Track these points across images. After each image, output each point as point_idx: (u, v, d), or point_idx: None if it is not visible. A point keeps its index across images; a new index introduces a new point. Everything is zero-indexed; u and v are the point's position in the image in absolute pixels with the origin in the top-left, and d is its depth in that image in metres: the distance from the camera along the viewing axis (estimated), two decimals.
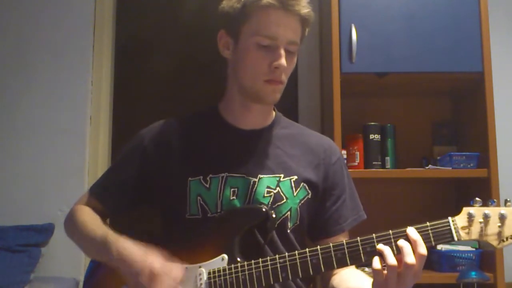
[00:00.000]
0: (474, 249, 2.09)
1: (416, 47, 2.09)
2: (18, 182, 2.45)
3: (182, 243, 1.23)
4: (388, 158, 2.21)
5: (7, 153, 2.48)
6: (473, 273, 1.89)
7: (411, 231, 1.05)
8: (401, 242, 1.04)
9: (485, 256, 2.07)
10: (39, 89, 2.52)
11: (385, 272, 1.04)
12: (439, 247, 2.10)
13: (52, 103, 2.51)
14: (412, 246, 1.03)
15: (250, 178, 1.25)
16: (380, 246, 1.05)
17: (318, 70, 2.64)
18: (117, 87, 2.73)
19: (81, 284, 2.31)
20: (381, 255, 1.04)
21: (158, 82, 2.81)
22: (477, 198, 1.05)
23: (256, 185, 1.24)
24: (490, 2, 2.11)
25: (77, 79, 2.54)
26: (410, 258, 1.02)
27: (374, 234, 1.07)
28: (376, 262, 1.04)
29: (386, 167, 2.20)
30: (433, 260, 2.17)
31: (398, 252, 1.04)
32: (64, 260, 2.35)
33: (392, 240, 1.05)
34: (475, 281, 1.88)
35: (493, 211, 1.03)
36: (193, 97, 2.70)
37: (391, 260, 1.03)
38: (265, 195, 1.24)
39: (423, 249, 1.03)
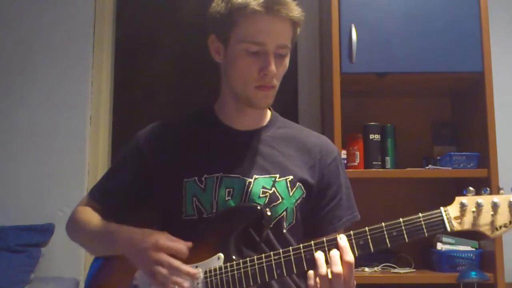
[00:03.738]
0: (474, 249, 2.09)
1: (416, 47, 2.09)
2: (18, 182, 2.45)
3: None
4: (388, 158, 2.21)
5: (8, 153, 2.48)
6: (473, 273, 1.89)
7: (341, 238, 1.07)
8: (332, 251, 1.06)
9: (485, 256, 2.07)
10: (39, 89, 2.52)
11: (317, 281, 1.06)
12: (439, 247, 2.11)
13: (52, 103, 2.51)
14: (340, 253, 1.05)
15: (245, 178, 1.25)
16: (316, 255, 1.07)
17: (318, 70, 2.64)
18: (117, 87, 2.73)
19: (81, 284, 2.31)
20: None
21: (158, 82, 2.81)
22: (470, 188, 1.04)
23: (251, 186, 1.24)
24: (490, 2, 2.11)
25: (77, 79, 2.54)
26: (336, 268, 1.04)
27: (312, 242, 1.10)
28: (310, 273, 1.07)
29: (386, 167, 2.20)
30: (433, 260, 2.17)
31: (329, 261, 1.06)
32: (64, 260, 2.35)
33: (326, 248, 1.07)
34: (475, 281, 1.89)
35: (485, 200, 1.02)
36: (193, 97, 2.70)
37: (322, 270, 1.05)
38: (261, 195, 1.24)
39: (349, 257, 1.04)
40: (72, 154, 2.48)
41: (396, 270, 2.11)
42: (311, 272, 1.07)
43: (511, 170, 2.21)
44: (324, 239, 1.09)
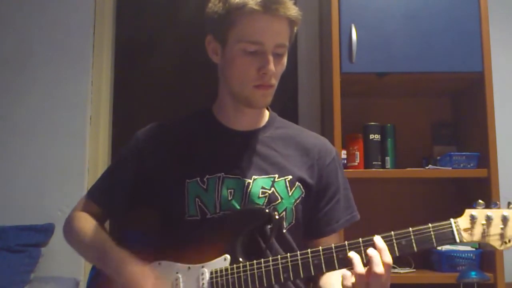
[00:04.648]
0: (474, 249, 2.09)
1: (416, 47, 2.09)
2: (18, 182, 2.45)
3: (183, 244, 1.23)
4: (388, 158, 2.21)
5: (7, 153, 2.48)
6: (473, 273, 1.89)
7: (378, 239, 1.07)
8: (371, 251, 1.05)
9: (485, 256, 2.07)
10: (39, 89, 2.52)
11: (353, 280, 1.05)
12: (439, 247, 2.11)
13: (52, 103, 2.51)
14: (380, 254, 1.05)
15: (245, 179, 1.25)
16: (350, 254, 1.07)
17: (318, 70, 2.64)
18: (117, 87, 2.73)
19: (81, 284, 2.31)
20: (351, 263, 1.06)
21: (158, 82, 2.81)
22: (480, 201, 1.06)
23: (250, 186, 1.24)
24: (490, 2, 2.11)
25: (77, 79, 2.54)
26: (379, 268, 1.04)
27: (346, 242, 1.09)
28: (346, 274, 1.07)
29: (386, 167, 2.20)
30: (433, 260, 2.17)
31: (367, 261, 1.05)
32: (64, 260, 2.34)
33: (362, 248, 1.07)
34: (475, 281, 1.88)
35: (495, 213, 1.04)
36: (193, 97, 2.70)
37: (359, 269, 1.05)
38: (260, 195, 1.24)
39: (388, 258, 1.05)
40: (72, 154, 2.48)
41: (396, 270, 2.11)
42: (347, 273, 1.07)
43: (511, 170, 2.21)
44: (360, 239, 1.09)
